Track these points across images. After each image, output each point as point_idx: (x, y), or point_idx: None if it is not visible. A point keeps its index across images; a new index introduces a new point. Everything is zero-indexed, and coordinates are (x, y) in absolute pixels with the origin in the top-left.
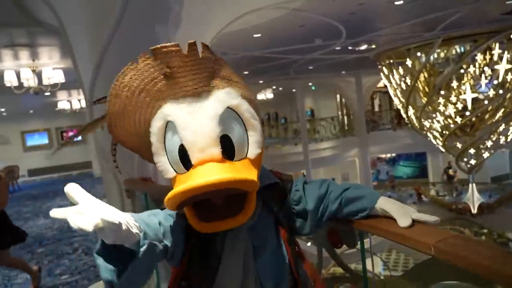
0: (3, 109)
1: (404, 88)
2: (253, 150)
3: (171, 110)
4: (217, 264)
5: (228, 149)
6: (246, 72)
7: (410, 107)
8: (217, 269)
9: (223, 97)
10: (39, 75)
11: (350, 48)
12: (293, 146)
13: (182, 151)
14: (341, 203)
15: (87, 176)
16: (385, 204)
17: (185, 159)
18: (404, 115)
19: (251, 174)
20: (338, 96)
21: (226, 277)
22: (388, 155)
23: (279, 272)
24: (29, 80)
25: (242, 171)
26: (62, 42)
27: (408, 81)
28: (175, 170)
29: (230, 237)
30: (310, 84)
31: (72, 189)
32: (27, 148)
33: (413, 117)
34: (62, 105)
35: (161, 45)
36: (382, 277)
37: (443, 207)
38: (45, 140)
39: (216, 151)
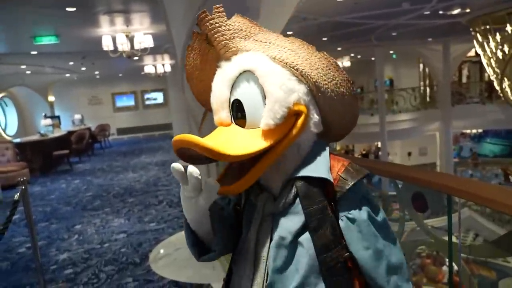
0: (97, 72)
1: (501, 57)
2: (263, 120)
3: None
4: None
5: (241, 115)
6: (325, 39)
7: (505, 78)
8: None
9: (242, 59)
10: (131, 40)
11: (440, 12)
12: (369, 116)
13: None
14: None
15: (167, 136)
16: None
17: None
18: (497, 88)
19: (241, 144)
20: (421, 65)
21: (242, 254)
22: (474, 131)
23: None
24: (123, 45)
25: (234, 139)
26: (154, 7)
27: (506, 49)
28: None
29: (255, 216)
30: (391, 52)
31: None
32: (116, 108)
33: (508, 89)
34: (148, 69)
35: (198, 13)
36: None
37: None
38: (131, 102)
39: (224, 115)
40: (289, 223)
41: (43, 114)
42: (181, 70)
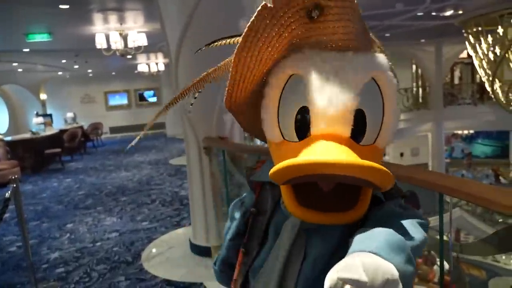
0: (90, 71)
1: (492, 59)
2: (384, 138)
3: (304, 61)
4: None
5: (358, 128)
6: None
7: (496, 80)
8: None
9: (373, 63)
10: (125, 38)
11: (433, 14)
12: None
13: (301, 115)
14: None
15: (160, 135)
16: None
17: (301, 125)
18: (488, 89)
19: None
20: (413, 66)
21: (265, 269)
22: (465, 132)
23: None
24: (117, 43)
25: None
26: (148, 6)
27: (498, 51)
28: (282, 135)
29: (290, 230)
30: None
31: None
32: (109, 107)
33: (499, 91)
34: (141, 67)
35: None
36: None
37: None
38: (124, 101)
39: (346, 129)
40: (328, 239)
41: (35, 112)
42: (175, 68)
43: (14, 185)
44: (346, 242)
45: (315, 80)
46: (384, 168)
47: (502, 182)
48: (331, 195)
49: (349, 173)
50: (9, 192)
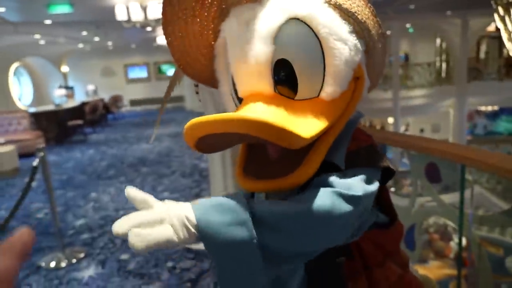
0: (110, 43)
1: None
2: (332, 88)
3: (227, 23)
4: None
5: (291, 81)
6: None
7: None
8: None
9: (288, 2)
10: (145, 9)
11: None
12: (381, 92)
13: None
14: None
15: (180, 109)
16: None
17: (236, 90)
18: None
19: (306, 122)
20: (438, 40)
21: None
22: (489, 109)
23: None
24: (137, 14)
25: (293, 115)
26: None
27: None
28: (235, 105)
29: None
30: (408, 26)
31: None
32: (129, 80)
33: None
34: (160, 40)
35: None
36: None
37: None
38: (144, 74)
39: (265, 84)
40: None
41: (59, 84)
42: None
43: (42, 154)
44: None
45: (228, 37)
46: (274, 123)
47: None
48: (280, 162)
49: (233, 130)
50: (37, 160)
